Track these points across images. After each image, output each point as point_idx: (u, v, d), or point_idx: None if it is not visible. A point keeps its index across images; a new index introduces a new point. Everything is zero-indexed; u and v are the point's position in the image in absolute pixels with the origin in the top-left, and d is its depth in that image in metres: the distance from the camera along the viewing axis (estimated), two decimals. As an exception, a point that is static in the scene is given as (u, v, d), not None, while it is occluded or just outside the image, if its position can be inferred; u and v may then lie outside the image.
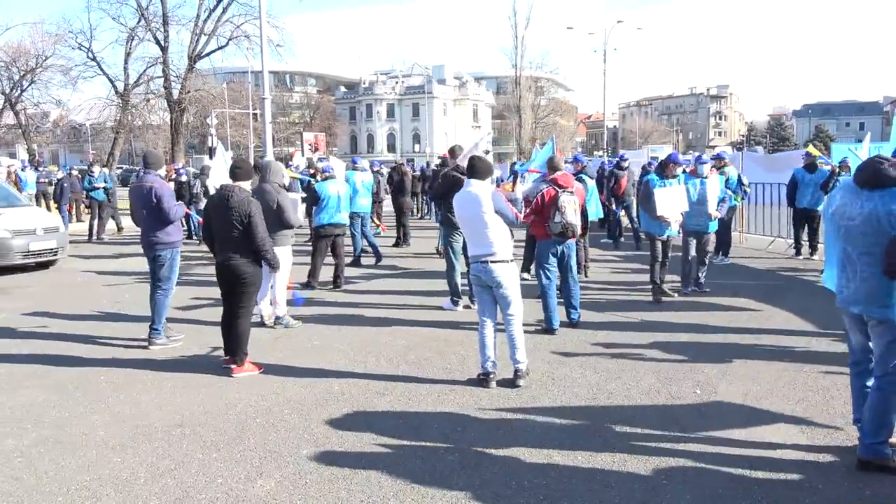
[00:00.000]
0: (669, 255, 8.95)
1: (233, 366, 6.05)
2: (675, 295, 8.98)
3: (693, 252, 9.13)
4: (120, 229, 18.08)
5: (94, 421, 5.04)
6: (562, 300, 7.67)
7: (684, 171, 9.13)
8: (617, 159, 15.48)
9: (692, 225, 9.01)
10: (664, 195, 8.54)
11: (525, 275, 10.46)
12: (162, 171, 7.27)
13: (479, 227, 5.56)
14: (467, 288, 8.62)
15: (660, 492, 3.86)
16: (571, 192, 7.26)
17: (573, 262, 7.63)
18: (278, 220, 7.18)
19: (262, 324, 7.60)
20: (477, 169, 5.69)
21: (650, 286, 8.97)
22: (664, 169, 8.82)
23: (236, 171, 6.17)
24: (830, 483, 3.93)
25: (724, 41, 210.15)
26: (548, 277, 7.39)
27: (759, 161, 16.80)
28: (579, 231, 7.41)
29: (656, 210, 8.51)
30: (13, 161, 29.13)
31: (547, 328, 7.36)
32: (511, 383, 5.57)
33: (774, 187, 13.67)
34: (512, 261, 5.60)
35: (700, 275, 9.31)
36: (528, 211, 7.20)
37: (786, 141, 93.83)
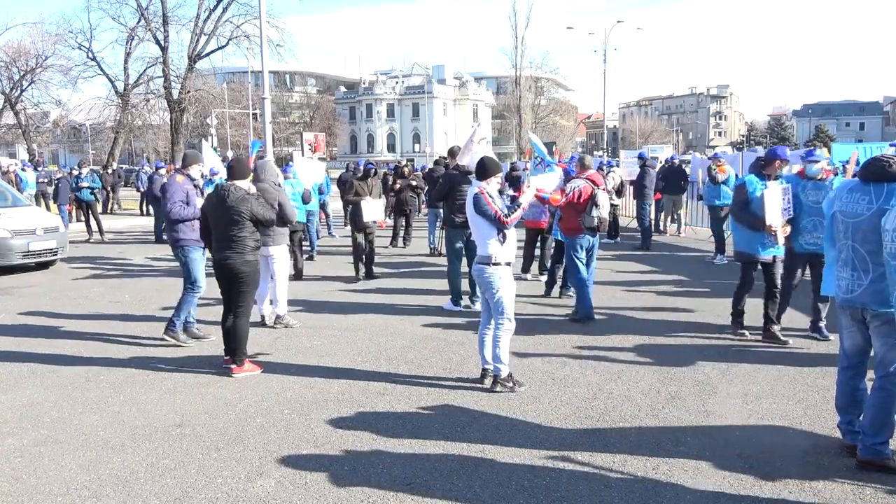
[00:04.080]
0: (778, 282, 6.81)
1: (233, 366, 6.05)
2: (789, 342, 6.78)
3: (799, 279, 6.97)
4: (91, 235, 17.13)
5: (94, 421, 5.04)
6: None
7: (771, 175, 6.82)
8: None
9: (806, 244, 6.72)
10: (772, 197, 6.46)
11: (525, 275, 10.47)
12: (193, 171, 7.19)
13: (474, 229, 5.58)
14: (468, 288, 8.65)
15: (660, 492, 3.86)
16: (604, 190, 7.90)
17: (595, 256, 8.15)
18: (279, 218, 7.19)
19: (262, 324, 7.61)
20: (481, 169, 5.66)
21: (732, 320, 7.17)
22: (766, 167, 6.83)
23: (232, 170, 6.22)
24: (830, 483, 3.93)
25: (724, 41, 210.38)
26: (582, 270, 7.87)
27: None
28: (607, 225, 8.00)
29: (765, 218, 6.42)
30: (13, 161, 29.11)
31: (585, 315, 7.78)
32: (489, 389, 5.48)
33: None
34: (506, 265, 5.48)
35: (821, 315, 6.92)
36: (562, 204, 7.80)
37: (786, 141, 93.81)
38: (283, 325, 7.68)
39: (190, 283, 7.05)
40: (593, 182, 7.85)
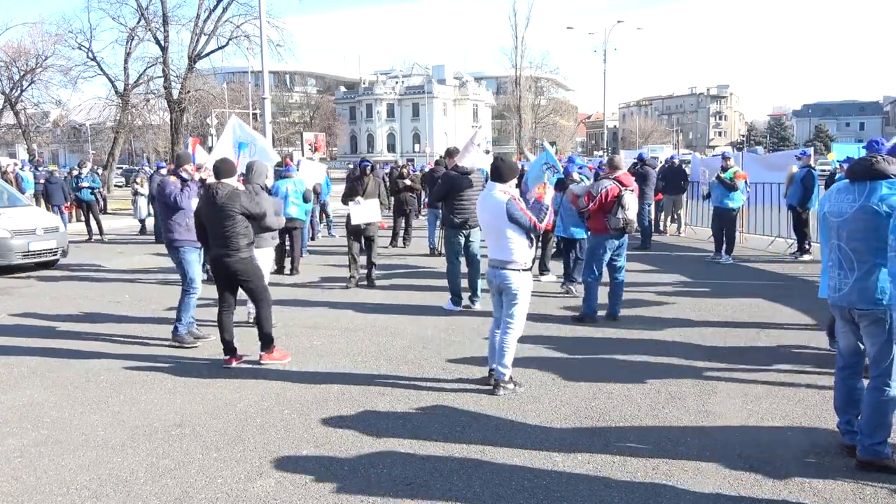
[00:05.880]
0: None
1: (262, 353, 6.27)
2: None
3: None
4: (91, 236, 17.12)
5: (94, 421, 5.04)
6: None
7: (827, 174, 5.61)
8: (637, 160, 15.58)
9: None
10: None
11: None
12: (185, 172, 7.24)
13: (498, 233, 5.45)
14: (468, 288, 8.65)
15: (660, 492, 3.86)
16: (632, 191, 7.73)
17: (624, 258, 8.01)
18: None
19: (246, 322, 7.52)
20: (498, 171, 5.53)
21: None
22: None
23: (219, 170, 6.31)
24: (830, 483, 3.93)
25: (724, 41, 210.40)
26: (598, 271, 7.83)
27: (758, 161, 16.81)
28: (635, 227, 7.83)
29: None
30: (12, 161, 29.08)
31: (588, 315, 7.79)
32: (491, 391, 5.46)
33: (774, 187, 13.68)
34: (528, 269, 5.48)
35: None
36: (591, 205, 7.67)
37: (786, 141, 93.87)
38: (254, 324, 7.55)
39: (186, 284, 7.07)
40: (621, 183, 7.69)
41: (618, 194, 7.58)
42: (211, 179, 7.45)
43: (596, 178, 8.71)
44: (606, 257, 7.81)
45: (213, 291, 6.59)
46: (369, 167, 10.53)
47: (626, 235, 7.83)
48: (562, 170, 9.70)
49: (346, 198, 10.08)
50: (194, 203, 7.02)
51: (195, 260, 7.09)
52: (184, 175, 7.22)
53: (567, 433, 4.69)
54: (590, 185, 8.25)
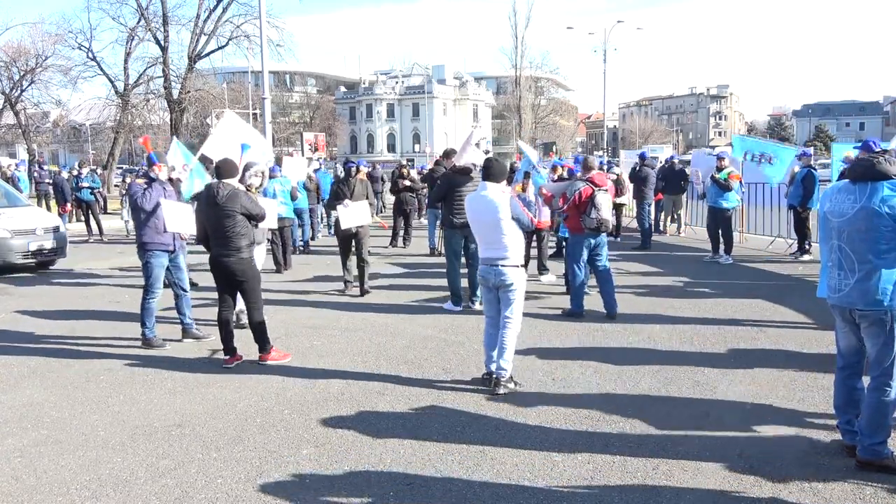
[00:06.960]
0: None
1: (261, 354, 6.29)
2: None
3: None
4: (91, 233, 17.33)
5: (94, 421, 5.04)
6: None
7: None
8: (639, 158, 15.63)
9: None
10: None
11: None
12: (153, 172, 7.18)
13: (493, 231, 5.47)
14: (468, 288, 8.65)
15: (660, 492, 3.86)
16: (606, 191, 7.85)
17: (605, 257, 8.10)
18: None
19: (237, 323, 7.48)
20: (492, 171, 5.57)
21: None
22: None
23: (220, 170, 6.34)
24: (830, 483, 3.92)
25: (724, 41, 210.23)
26: (579, 269, 7.95)
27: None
28: (612, 226, 7.97)
29: None
30: (12, 161, 29.00)
31: (574, 311, 7.94)
32: (491, 391, 5.44)
33: (774, 187, 13.67)
34: (522, 265, 5.56)
35: None
36: (564, 207, 7.81)
37: (786, 141, 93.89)
38: (243, 324, 7.29)
39: (146, 287, 7.06)
40: (594, 183, 7.80)
41: (590, 195, 7.70)
42: (182, 178, 7.50)
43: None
44: (585, 256, 7.95)
45: (213, 292, 6.59)
46: (354, 167, 9.89)
47: (604, 234, 7.97)
48: (542, 172, 9.80)
49: (332, 201, 9.64)
50: (167, 204, 6.99)
51: (159, 265, 7.05)
52: (151, 175, 7.20)
53: (567, 433, 4.69)
54: (565, 184, 8.35)
